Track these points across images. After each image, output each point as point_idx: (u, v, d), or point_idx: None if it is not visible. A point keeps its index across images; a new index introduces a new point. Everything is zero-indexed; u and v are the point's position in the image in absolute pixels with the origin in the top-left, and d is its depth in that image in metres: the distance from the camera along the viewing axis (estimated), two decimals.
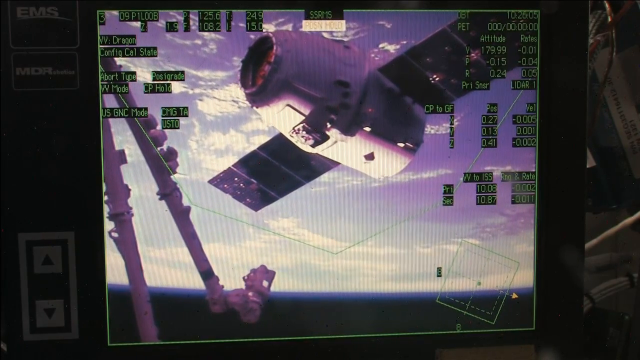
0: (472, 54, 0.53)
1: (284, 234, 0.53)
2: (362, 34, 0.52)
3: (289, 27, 0.51)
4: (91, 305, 0.51)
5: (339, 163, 0.53)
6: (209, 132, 0.52)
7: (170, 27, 0.51)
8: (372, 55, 0.52)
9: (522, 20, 0.53)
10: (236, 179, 0.52)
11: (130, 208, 0.51)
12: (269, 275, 0.53)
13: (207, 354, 0.53)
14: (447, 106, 0.53)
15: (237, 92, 0.51)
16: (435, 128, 0.53)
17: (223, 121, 0.52)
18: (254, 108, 0.52)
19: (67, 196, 0.50)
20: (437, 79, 0.53)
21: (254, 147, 0.52)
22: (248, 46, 0.51)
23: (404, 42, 0.52)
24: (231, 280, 0.53)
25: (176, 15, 0.51)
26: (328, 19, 0.52)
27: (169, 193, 0.52)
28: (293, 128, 0.52)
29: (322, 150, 0.53)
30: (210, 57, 0.51)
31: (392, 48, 0.52)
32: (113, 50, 0.50)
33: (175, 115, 0.51)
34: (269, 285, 0.53)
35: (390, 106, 0.53)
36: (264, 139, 0.52)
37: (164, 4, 0.51)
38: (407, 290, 0.54)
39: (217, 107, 0.51)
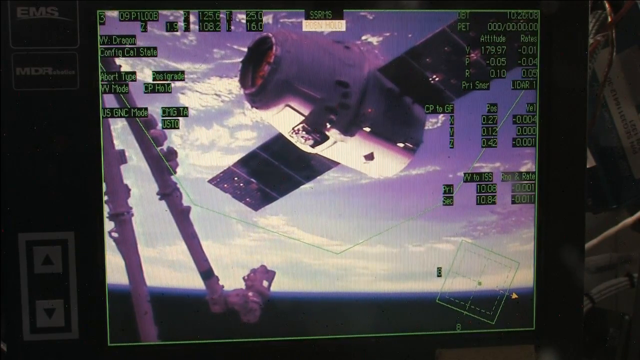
0: (472, 54, 0.53)
1: (284, 233, 0.53)
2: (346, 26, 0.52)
3: (269, 18, 0.51)
4: (91, 305, 0.51)
5: (339, 163, 0.53)
6: (192, 126, 0.52)
7: (170, 27, 0.51)
8: (363, 49, 0.52)
9: (522, 20, 0.53)
10: (236, 178, 0.52)
11: (130, 208, 0.51)
12: (269, 275, 0.53)
13: (207, 354, 0.53)
14: (447, 106, 0.53)
15: (219, 85, 0.51)
16: (435, 128, 0.53)
17: (206, 115, 0.52)
18: (254, 108, 0.52)
19: (67, 196, 0.50)
20: (437, 79, 0.53)
21: (238, 142, 0.52)
22: (248, 46, 0.51)
23: (387, 34, 0.52)
24: (231, 280, 0.53)
25: (175, 16, 0.51)
26: (328, 19, 0.52)
27: (169, 193, 0.52)
28: (293, 128, 0.52)
29: (322, 150, 0.53)
30: (190, 49, 0.51)
31: (375, 40, 0.52)
32: (113, 50, 0.50)
33: (175, 115, 0.51)
34: (269, 285, 0.53)
35: (390, 106, 0.53)
36: (248, 134, 0.52)
37: (164, 4, 0.51)
38: (407, 290, 0.54)
39: (200, 101, 0.51)
